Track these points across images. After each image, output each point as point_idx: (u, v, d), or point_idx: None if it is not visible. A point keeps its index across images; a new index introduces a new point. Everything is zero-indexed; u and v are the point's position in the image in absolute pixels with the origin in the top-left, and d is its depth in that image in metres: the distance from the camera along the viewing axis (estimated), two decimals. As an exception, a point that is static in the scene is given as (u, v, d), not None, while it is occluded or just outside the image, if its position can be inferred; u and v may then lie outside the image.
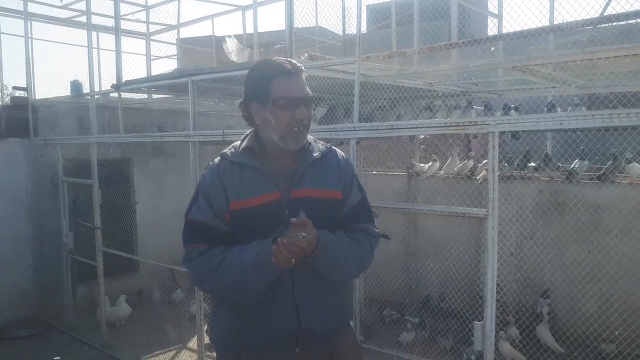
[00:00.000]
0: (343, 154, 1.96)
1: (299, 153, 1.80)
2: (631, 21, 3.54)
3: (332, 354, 1.84)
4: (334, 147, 1.94)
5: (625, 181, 5.07)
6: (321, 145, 1.88)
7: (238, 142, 1.85)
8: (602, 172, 5.20)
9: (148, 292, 6.84)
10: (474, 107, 6.08)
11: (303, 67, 1.79)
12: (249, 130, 1.88)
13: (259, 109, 1.75)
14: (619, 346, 4.59)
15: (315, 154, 1.82)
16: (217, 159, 1.84)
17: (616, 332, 4.59)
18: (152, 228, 7.17)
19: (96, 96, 6.22)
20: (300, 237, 1.57)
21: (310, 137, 1.86)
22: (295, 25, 4.54)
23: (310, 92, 1.77)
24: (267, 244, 1.62)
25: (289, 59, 1.81)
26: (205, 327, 4.68)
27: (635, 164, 5.05)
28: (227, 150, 1.84)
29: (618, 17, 3.34)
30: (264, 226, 1.70)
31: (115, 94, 5.93)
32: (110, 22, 6.50)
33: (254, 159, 1.77)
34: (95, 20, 7.36)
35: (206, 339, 4.78)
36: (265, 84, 1.72)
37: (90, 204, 5.89)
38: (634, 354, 4.22)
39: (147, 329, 6.10)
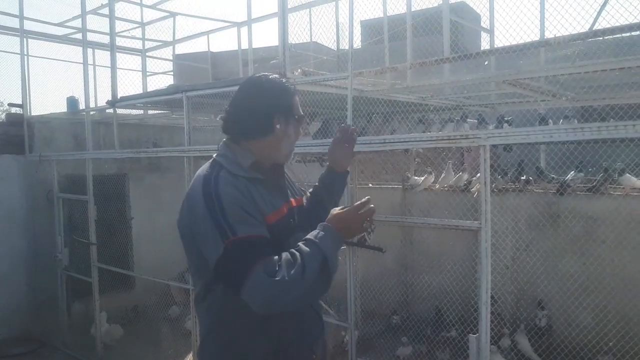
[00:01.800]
0: None
1: (280, 167, 1.94)
2: (619, 35, 3.61)
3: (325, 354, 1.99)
4: None
5: (618, 192, 5.12)
6: None
7: (222, 159, 1.76)
8: (593, 184, 5.24)
9: (143, 308, 6.81)
10: (467, 120, 6.14)
11: None
12: (222, 147, 1.84)
13: (282, 122, 1.80)
14: (614, 358, 4.59)
15: (285, 167, 2.00)
16: (224, 175, 1.69)
17: (611, 344, 4.59)
18: (147, 243, 7.15)
19: (91, 112, 6.25)
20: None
21: None
22: (289, 41, 4.60)
23: None
24: (329, 229, 1.68)
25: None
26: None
27: (628, 175, 5.10)
28: (228, 166, 1.72)
29: (605, 31, 3.41)
30: (285, 236, 1.74)
31: (111, 110, 5.97)
32: (106, 39, 6.56)
33: (263, 173, 1.80)
34: (91, 37, 7.44)
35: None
36: (289, 100, 1.83)
37: (85, 220, 5.89)
38: (630, 366, 4.23)
39: (143, 345, 6.06)
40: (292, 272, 1.52)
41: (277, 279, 1.49)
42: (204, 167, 1.77)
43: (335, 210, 1.75)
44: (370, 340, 5.64)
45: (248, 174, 1.72)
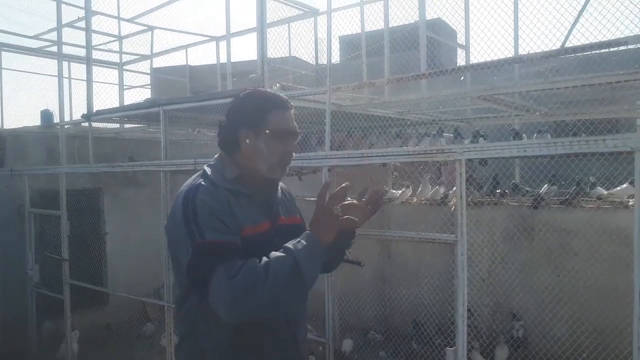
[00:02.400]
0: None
1: (271, 182, 1.85)
2: (589, 53, 3.72)
3: None
4: None
5: (590, 205, 5.23)
6: None
7: (210, 170, 1.78)
8: (566, 197, 5.35)
9: (117, 326, 6.65)
10: (444, 134, 6.22)
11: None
12: (216, 158, 1.86)
13: (250, 136, 1.75)
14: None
15: (280, 184, 1.93)
16: (205, 184, 1.69)
17: (584, 355, 4.65)
18: (122, 259, 7.01)
19: (66, 126, 6.15)
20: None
21: None
22: (268, 56, 4.62)
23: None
24: (309, 235, 1.61)
25: (279, 93, 1.87)
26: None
27: (599, 188, 5.22)
28: (212, 176, 1.73)
29: (576, 49, 3.51)
30: (264, 254, 1.63)
31: (86, 124, 5.88)
32: (83, 52, 6.49)
33: (245, 188, 1.76)
34: (67, 50, 7.35)
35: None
36: (263, 114, 1.75)
37: (58, 235, 5.76)
38: (604, 377, 4.28)
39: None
40: (254, 273, 1.49)
41: (236, 278, 1.47)
42: (193, 176, 1.79)
43: None
44: (349, 355, 5.61)
45: (230, 185, 1.72)
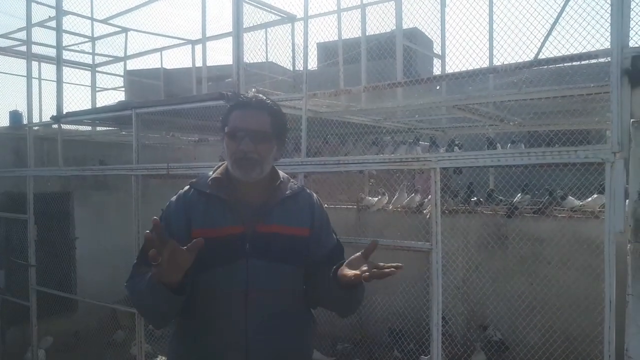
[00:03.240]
0: (317, 197, 1.96)
1: (269, 189, 1.81)
2: (561, 65, 3.78)
3: None
4: (307, 189, 1.95)
5: (562, 214, 5.31)
6: (294, 185, 1.89)
7: (210, 173, 1.85)
8: (539, 206, 5.43)
9: (86, 333, 6.47)
10: (420, 143, 6.26)
11: (271, 104, 1.79)
12: (220, 162, 1.90)
13: (222, 138, 1.79)
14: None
15: (287, 192, 1.83)
16: (186, 187, 1.84)
17: (557, 362, 4.71)
18: (92, 265, 6.83)
19: (35, 127, 5.98)
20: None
21: (283, 175, 1.89)
22: (245, 60, 4.57)
23: (266, 128, 1.74)
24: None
25: (259, 95, 1.82)
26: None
27: (571, 197, 5.31)
28: (197, 179, 1.85)
29: (549, 60, 3.57)
30: (223, 259, 1.67)
31: (56, 126, 5.72)
32: (53, 52, 6.33)
33: (222, 190, 1.76)
34: (38, 50, 7.17)
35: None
36: (227, 116, 1.77)
37: (24, 240, 5.57)
38: (575, 384, 4.34)
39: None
40: (132, 286, 1.67)
41: (126, 283, 1.71)
42: None
43: None
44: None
45: (205, 188, 1.77)
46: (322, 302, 1.87)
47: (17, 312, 5.84)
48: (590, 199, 5.19)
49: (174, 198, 1.82)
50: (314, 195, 1.95)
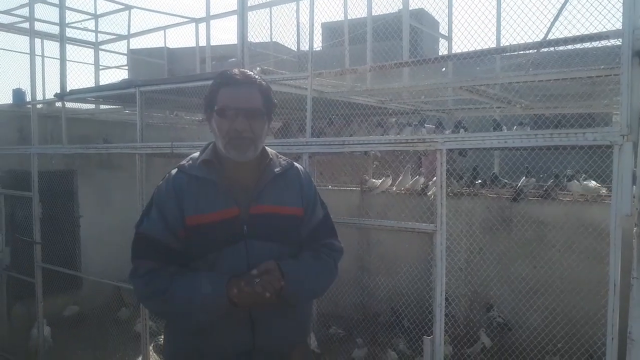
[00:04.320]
0: (304, 170, 1.93)
1: (259, 168, 1.77)
2: (571, 47, 3.72)
3: None
4: (295, 164, 1.91)
5: (567, 198, 5.29)
6: (282, 161, 1.85)
7: (197, 154, 1.80)
8: (544, 189, 5.40)
9: (91, 310, 6.54)
10: (425, 125, 6.22)
11: (260, 80, 1.74)
12: (208, 142, 1.84)
13: (210, 117, 1.74)
14: (562, 358, 4.73)
15: (276, 169, 1.79)
16: (174, 171, 1.77)
17: (559, 345, 4.73)
18: (96, 243, 6.88)
19: (38, 105, 5.96)
20: (255, 282, 1.58)
21: (272, 152, 1.85)
22: (249, 40, 4.52)
23: (258, 105, 1.69)
24: (220, 285, 1.58)
25: (245, 70, 1.77)
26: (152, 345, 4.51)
27: (576, 181, 5.28)
28: (185, 162, 1.78)
29: (558, 41, 3.51)
30: (221, 243, 1.65)
31: (60, 104, 5.70)
32: (56, 30, 6.26)
33: (213, 172, 1.71)
34: (40, 27, 7.11)
35: (151, 359, 4.60)
36: (214, 93, 1.71)
37: (29, 217, 5.60)
38: (575, 366, 4.37)
39: (90, 349, 5.82)
40: (152, 286, 1.63)
41: (137, 280, 1.66)
42: None
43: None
44: (325, 343, 5.61)
45: (195, 171, 1.71)
46: None
47: (22, 288, 5.89)
48: (592, 184, 5.17)
49: (162, 183, 1.75)
50: (301, 169, 1.92)
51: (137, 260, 1.68)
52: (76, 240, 7.01)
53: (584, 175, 5.22)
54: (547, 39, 3.64)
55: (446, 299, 3.25)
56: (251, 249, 1.68)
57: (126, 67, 8.69)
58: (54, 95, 5.52)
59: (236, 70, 1.74)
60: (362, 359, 5.10)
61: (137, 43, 8.82)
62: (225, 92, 1.69)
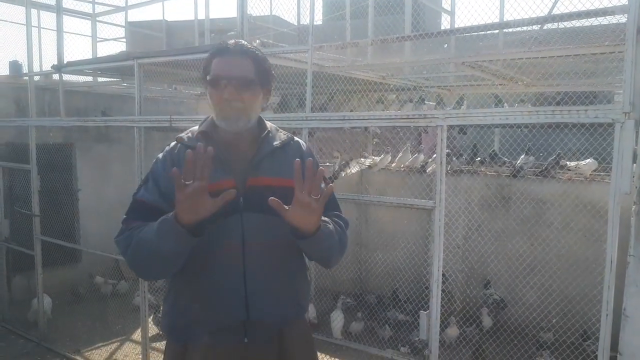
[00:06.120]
0: (306, 144, 1.91)
1: (258, 140, 1.75)
2: (575, 24, 3.67)
3: (281, 345, 1.78)
4: (296, 138, 1.89)
5: (566, 177, 5.29)
6: (282, 135, 1.84)
7: (196, 127, 1.79)
8: (544, 167, 5.40)
9: (90, 283, 6.60)
10: (426, 102, 6.17)
11: (255, 50, 1.71)
12: (207, 116, 1.82)
13: (205, 89, 1.72)
14: (555, 334, 4.80)
15: (275, 143, 1.77)
16: (172, 143, 1.77)
17: (554, 321, 4.79)
18: (95, 216, 6.88)
19: (35, 77, 5.89)
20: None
21: (271, 125, 1.83)
22: (249, 13, 4.45)
23: (250, 75, 1.67)
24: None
25: (240, 41, 1.74)
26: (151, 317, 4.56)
27: (592, 159, 5.27)
28: (184, 134, 1.78)
29: (562, 16, 3.46)
30: (217, 214, 1.59)
31: (57, 76, 5.64)
32: (53, 0, 6.15)
33: (211, 144, 1.65)
34: (36, -4, 6.98)
35: (150, 331, 4.66)
36: (208, 64, 1.70)
37: (28, 190, 5.59)
38: (569, 342, 4.42)
39: (89, 321, 5.89)
40: (127, 239, 1.62)
41: (117, 238, 1.66)
42: None
43: None
44: (323, 317, 5.67)
45: (193, 143, 1.67)
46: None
47: (22, 260, 5.92)
48: (584, 162, 5.16)
49: (160, 155, 1.77)
50: (302, 143, 1.89)
51: (126, 222, 1.68)
52: (74, 213, 7.02)
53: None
54: (552, 14, 3.59)
55: (443, 275, 3.28)
56: (246, 221, 1.68)
57: (124, 40, 8.58)
58: (52, 67, 5.44)
59: (232, 41, 1.73)
60: (359, 332, 5.17)
61: (135, 16, 8.67)
62: (217, 62, 1.67)
